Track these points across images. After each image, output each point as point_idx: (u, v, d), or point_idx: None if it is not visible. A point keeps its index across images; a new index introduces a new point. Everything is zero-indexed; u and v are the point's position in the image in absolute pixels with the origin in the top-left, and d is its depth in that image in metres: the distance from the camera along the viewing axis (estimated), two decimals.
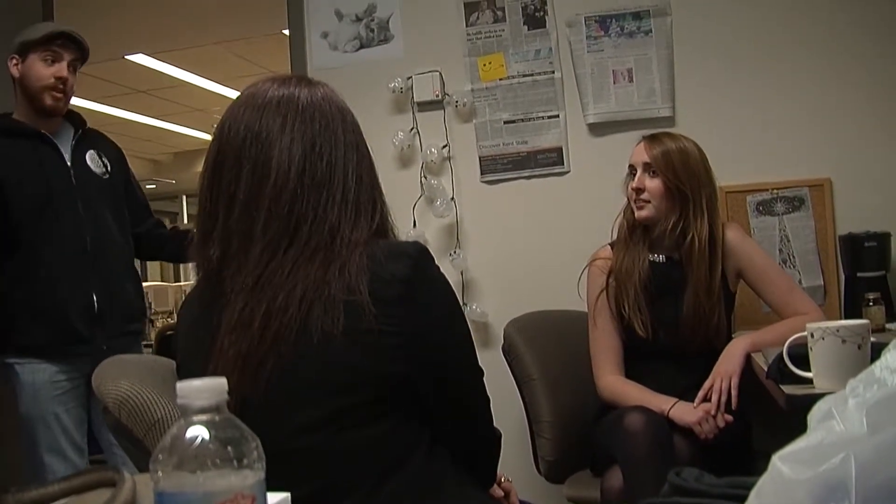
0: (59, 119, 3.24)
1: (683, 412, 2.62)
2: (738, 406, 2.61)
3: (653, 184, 2.84)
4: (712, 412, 2.59)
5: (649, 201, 2.84)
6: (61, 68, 3.12)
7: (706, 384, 2.66)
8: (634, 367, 2.87)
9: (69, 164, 3.20)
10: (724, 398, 2.60)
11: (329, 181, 1.50)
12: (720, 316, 2.82)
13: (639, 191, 2.85)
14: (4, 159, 3.10)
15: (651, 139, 2.90)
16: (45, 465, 3.11)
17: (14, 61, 3.14)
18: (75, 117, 3.33)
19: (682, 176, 2.81)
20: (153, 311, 9.08)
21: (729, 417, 2.60)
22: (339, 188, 1.51)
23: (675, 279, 2.84)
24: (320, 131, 1.53)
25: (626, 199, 2.95)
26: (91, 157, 3.28)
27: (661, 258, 2.89)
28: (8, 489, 1.09)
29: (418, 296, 1.47)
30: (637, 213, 2.87)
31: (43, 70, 3.10)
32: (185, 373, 1.64)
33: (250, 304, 1.46)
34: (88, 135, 3.35)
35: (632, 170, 2.92)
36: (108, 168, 3.33)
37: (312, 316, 1.42)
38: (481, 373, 1.64)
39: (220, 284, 1.51)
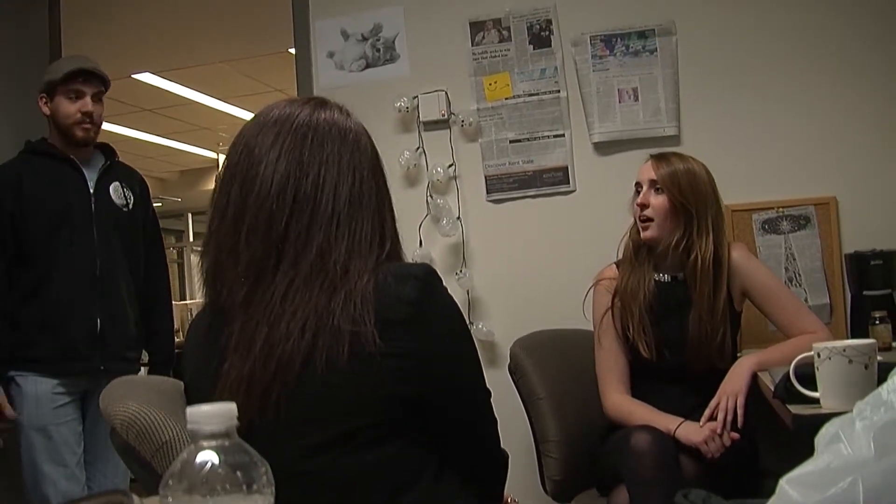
0: (90, 148, 3.44)
1: (690, 431, 2.62)
2: (744, 425, 2.61)
3: (657, 201, 2.84)
4: (718, 431, 2.59)
5: (653, 219, 2.84)
6: (85, 103, 3.32)
7: (712, 403, 2.65)
8: (641, 387, 2.86)
9: (92, 191, 3.36)
10: (729, 417, 2.60)
11: (315, 200, 1.49)
12: (725, 336, 2.81)
13: (643, 207, 2.86)
14: (32, 176, 3.29)
15: (659, 158, 2.91)
16: (45, 474, 3.20)
17: (43, 100, 3.35)
18: (107, 149, 3.52)
19: (688, 195, 2.82)
20: None
21: (735, 435, 2.59)
22: (326, 208, 1.49)
23: (681, 299, 2.84)
24: (311, 150, 1.52)
25: (632, 219, 2.96)
26: (114, 189, 3.44)
27: (667, 278, 2.89)
28: None
29: (426, 317, 1.46)
30: (642, 234, 2.88)
31: (69, 107, 3.31)
32: (192, 392, 1.65)
33: (248, 324, 1.46)
34: (116, 167, 3.52)
35: (638, 187, 2.92)
36: (130, 201, 3.48)
37: (317, 345, 1.41)
38: (489, 394, 1.63)
39: (217, 299, 1.53)
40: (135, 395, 1.66)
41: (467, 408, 1.60)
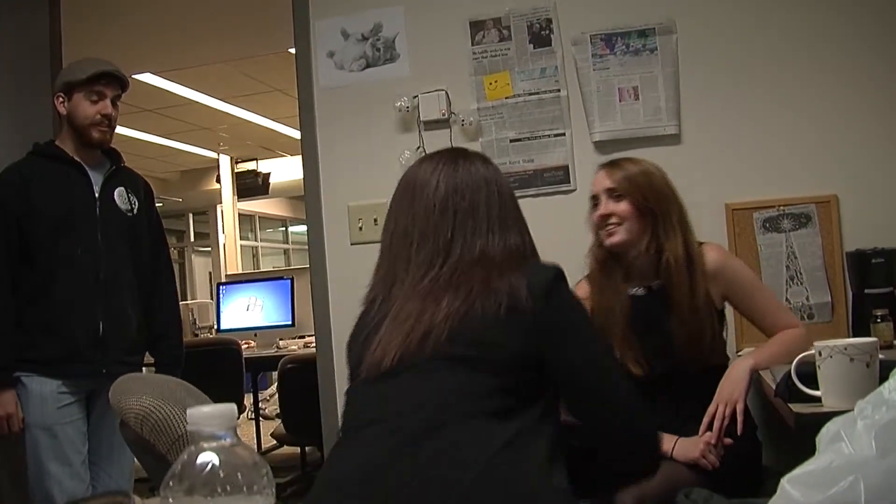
0: (98, 152, 3.46)
1: (686, 449, 2.53)
2: (744, 430, 2.50)
3: (620, 207, 2.74)
4: (713, 442, 2.50)
5: (621, 224, 2.74)
6: (105, 105, 3.37)
7: (710, 410, 2.55)
8: None
9: (97, 196, 3.38)
10: (726, 423, 2.50)
11: (473, 215, 1.87)
12: (714, 333, 2.72)
13: (606, 217, 2.76)
14: (38, 179, 3.31)
15: (611, 165, 2.83)
16: (51, 473, 3.21)
17: (60, 99, 3.37)
18: (114, 154, 3.54)
19: (649, 194, 2.73)
20: None
21: (728, 441, 2.51)
22: (482, 223, 1.87)
23: (658, 310, 2.72)
24: (462, 176, 1.91)
25: (592, 235, 2.85)
26: (119, 194, 3.46)
27: (640, 290, 2.80)
28: None
29: (561, 295, 1.83)
30: (609, 240, 2.76)
31: (89, 109, 3.35)
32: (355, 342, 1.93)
33: (410, 302, 1.80)
34: (122, 171, 3.54)
35: (595, 200, 2.82)
36: (135, 206, 3.50)
37: (477, 304, 1.74)
38: (616, 364, 1.98)
39: (388, 294, 1.87)
40: (147, 390, 1.68)
41: (594, 373, 1.82)
